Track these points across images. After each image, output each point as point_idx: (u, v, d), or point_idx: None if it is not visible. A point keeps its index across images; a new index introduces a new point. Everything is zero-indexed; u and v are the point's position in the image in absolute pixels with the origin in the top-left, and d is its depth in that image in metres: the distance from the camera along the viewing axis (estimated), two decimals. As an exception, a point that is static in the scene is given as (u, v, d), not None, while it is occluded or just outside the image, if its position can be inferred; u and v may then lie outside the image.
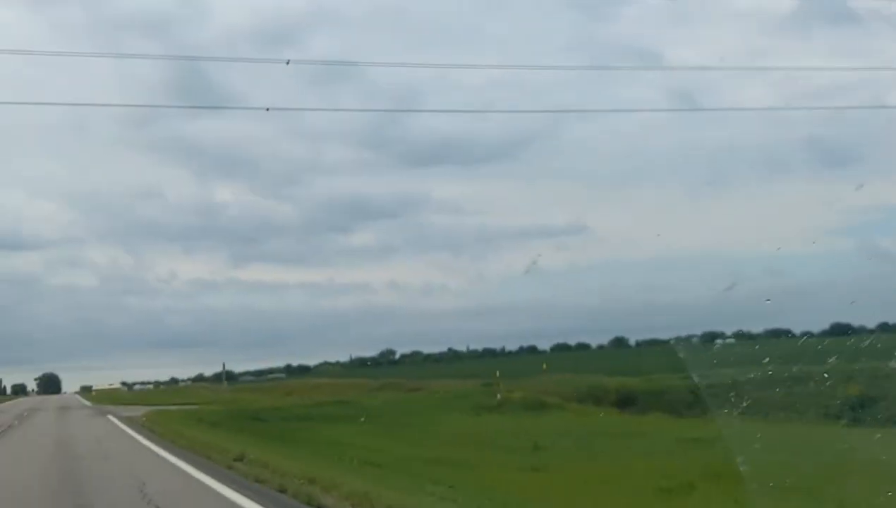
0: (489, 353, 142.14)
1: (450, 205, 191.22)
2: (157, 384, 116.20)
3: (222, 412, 34.27)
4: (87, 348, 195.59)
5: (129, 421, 27.40)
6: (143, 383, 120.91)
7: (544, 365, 49.69)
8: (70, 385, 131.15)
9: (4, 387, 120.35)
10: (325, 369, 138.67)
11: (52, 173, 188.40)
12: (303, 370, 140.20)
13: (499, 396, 37.41)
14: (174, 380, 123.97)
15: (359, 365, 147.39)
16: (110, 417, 31.28)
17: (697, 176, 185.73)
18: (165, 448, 16.23)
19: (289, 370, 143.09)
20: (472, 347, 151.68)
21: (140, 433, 21.39)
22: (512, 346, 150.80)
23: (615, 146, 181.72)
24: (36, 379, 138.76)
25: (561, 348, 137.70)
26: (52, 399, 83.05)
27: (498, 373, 41.71)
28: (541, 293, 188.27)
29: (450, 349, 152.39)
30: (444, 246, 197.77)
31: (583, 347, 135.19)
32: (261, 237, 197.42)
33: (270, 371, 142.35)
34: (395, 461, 17.41)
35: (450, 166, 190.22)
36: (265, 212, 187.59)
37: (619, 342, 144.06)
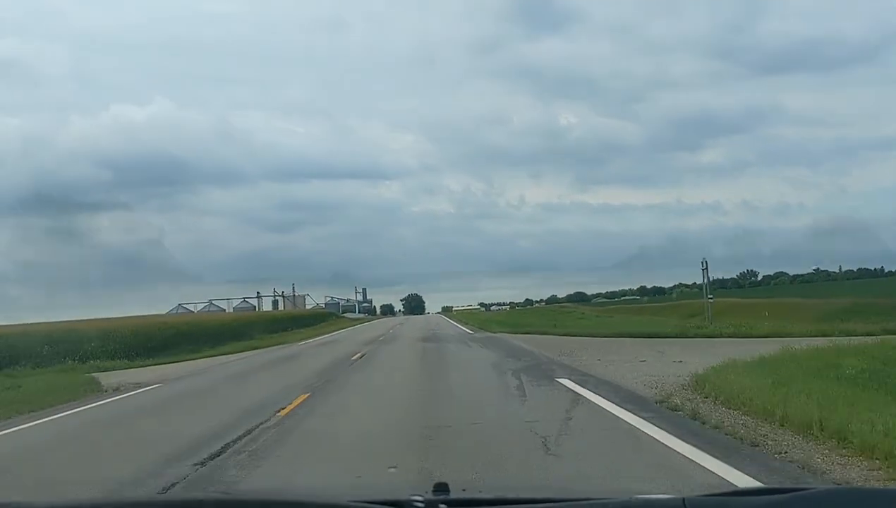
0: (867, 274, 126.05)
1: (806, 117, 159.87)
2: (511, 305, 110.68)
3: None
4: (444, 270, 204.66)
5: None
6: (498, 304, 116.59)
7: None
8: (431, 306, 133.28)
9: (374, 307, 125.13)
10: (680, 291, 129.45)
11: (406, 105, 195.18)
12: (657, 292, 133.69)
13: None
14: (529, 302, 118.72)
15: (717, 286, 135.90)
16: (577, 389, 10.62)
17: None
18: None
19: (642, 292, 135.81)
20: (844, 267, 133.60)
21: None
22: (891, 266, 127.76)
23: None
24: (402, 300, 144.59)
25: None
26: (418, 320, 78.50)
27: None
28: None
29: (817, 269, 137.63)
30: (800, 160, 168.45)
31: None
32: (605, 158, 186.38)
33: (623, 293, 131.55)
34: None
35: (806, 73, 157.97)
36: (609, 132, 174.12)
37: None
